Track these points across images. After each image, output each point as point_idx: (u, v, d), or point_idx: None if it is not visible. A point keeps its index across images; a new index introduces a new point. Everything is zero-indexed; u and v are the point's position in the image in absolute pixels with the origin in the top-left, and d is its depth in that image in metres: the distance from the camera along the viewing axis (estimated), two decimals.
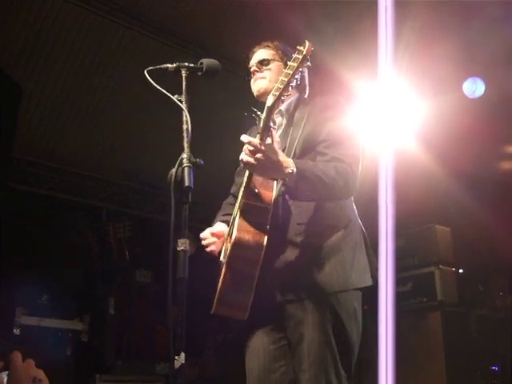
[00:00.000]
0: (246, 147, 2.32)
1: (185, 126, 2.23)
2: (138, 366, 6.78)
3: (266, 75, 2.86)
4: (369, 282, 2.66)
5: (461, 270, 6.11)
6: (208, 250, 2.75)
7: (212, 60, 2.58)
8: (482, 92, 5.67)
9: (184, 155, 2.14)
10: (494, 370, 5.64)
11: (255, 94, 2.89)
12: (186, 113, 2.27)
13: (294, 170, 2.36)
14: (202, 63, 2.55)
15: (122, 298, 7.11)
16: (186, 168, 2.10)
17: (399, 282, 6.05)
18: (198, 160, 2.15)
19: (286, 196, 2.58)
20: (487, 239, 5.94)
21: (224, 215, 2.94)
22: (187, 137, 2.21)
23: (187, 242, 2.12)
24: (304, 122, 2.69)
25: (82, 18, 5.95)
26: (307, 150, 2.64)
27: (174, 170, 2.11)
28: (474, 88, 5.69)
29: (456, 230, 6.14)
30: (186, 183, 2.07)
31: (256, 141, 2.30)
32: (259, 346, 2.68)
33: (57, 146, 6.99)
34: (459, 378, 5.59)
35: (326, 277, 2.54)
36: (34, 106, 6.53)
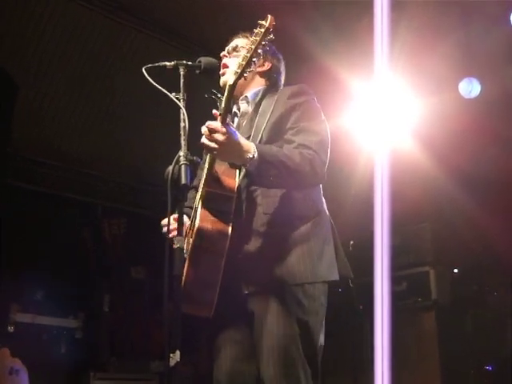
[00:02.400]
0: (206, 130, 2.26)
1: (182, 124, 2.22)
2: (133, 363, 6.78)
3: (232, 63, 2.75)
4: (336, 277, 2.55)
5: (455, 270, 6.11)
6: (171, 236, 2.42)
7: (210, 58, 2.59)
8: (478, 92, 5.67)
9: (181, 153, 2.13)
10: (488, 369, 5.65)
11: (221, 84, 2.80)
12: (183, 110, 2.26)
13: (255, 154, 2.30)
14: (200, 61, 2.55)
15: (117, 296, 7.11)
16: (182, 166, 2.09)
17: (394, 281, 6.06)
18: (195, 158, 2.15)
19: (252, 186, 2.53)
20: (482, 238, 5.94)
21: (185, 208, 2.79)
22: (184, 134, 2.20)
23: (183, 239, 2.12)
24: (271, 109, 2.63)
25: (92, 19, 5.96)
26: (274, 138, 2.57)
27: (170, 168, 2.11)
28: (470, 88, 5.69)
29: (451, 228, 6.15)
30: (183, 181, 2.06)
31: (216, 123, 2.24)
32: (225, 345, 2.61)
33: (53, 143, 6.98)
34: (453, 378, 5.60)
35: (294, 268, 2.46)
36: (35, 103, 6.53)
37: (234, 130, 2.29)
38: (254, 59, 2.22)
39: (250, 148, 2.31)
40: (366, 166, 5.65)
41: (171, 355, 1.96)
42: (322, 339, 2.52)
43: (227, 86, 2.27)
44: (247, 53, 2.20)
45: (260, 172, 2.34)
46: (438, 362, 5.60)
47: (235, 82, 2.25)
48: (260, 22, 2.21)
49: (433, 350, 5.68)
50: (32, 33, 5.95)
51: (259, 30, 2.19)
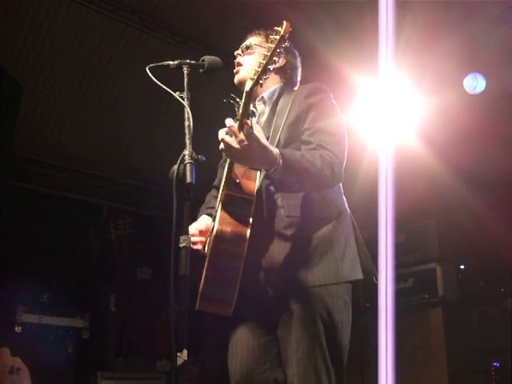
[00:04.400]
0: (222, 137, 2.24)
1: (186, 123, 2.22)
2: (139, 363, 6.80)
3: (246, 61, 2.78)
4: (359, 276, 2.57)
5: (462, 266, 6.11)
6: (194, 247, 2.60)
7: (213, 57, 2.58)
8: (483, 88, 5.65)
9: (186, 152, 2.13)
10: (496, 365, 5.64)
11: (235, 83, 2.81)
12: (187, 109, 2.25)
13: (280, 161, 2.28)
14: (203, 60, 2.54)
15: (123, 296, 7.12)
16: (187, 164, 2.09)
17: (400, 278, 6.06)
18: (199, 156, 2.14)
19: (271, 187, 2.52)
20: (488, 235, 5.93)
21: (208, 208, 2.86)
22: (189, 133, 2.20)
23: (189, 239, 2.11)
24: (288, 109, 2.62)
25: (89, 18, 5.97)
26: (292, 138, 2.57)
27: (175, 167, 2.10)
28: (475, 84, 5.67)
29: (457, 225, 6.13)
30: (188, 180, 2.06)
31: (235, 127, 2.22)
32: (243, 343, 2.61)
33: (58, 143, 6.99)
34: (460, 374, 5.59)
35: (317, 269, 2.47)
36: (38, 104, 6.54)
37: (256, 135, 2.23)
38: (270, 66, 2.18)
39: (275, 155, 2.28)
40: (370, 163, 5.64)
41: (178, 354, 1.96)
42: (347, 338, 2.53)
43: (244, 93, 2.22)
44: (263, 59, 2.17)
45: (283, 178, 2.36)
46: (445, 358, 5.59)
47: (252, 89, 2.20)
48: (276, 28, 2.16)
49: (440, 346, 5.67)
50: (35, 33, 5.97)
51: (274, 37, 2.15)
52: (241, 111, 2.22)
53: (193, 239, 2.54)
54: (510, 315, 5.63)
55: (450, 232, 6.18)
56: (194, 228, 2.63)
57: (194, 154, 2.13)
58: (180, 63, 2.46)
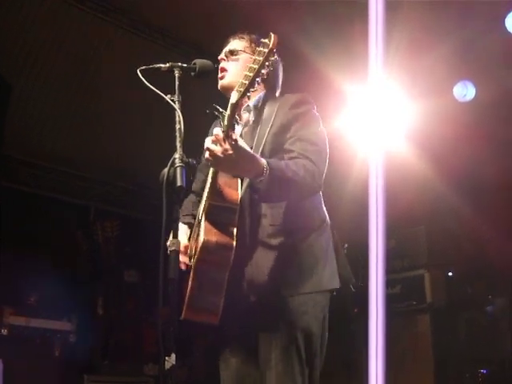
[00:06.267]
0: (208, 146, 2.21)
1: (177, 126, 2.21)
2: (126, 366, 6.77)
3: (230, 67, 2.75)
4: (337, 285, 2.59)
5: (450, 273, 6.12)
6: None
7: (205, 60, 2.57)
8: (473, 96, 5.68)
9: (176, 155, 2.12)
10: (483, 373, 5.65)
11: (220, 88, 2.78)
12: (178, 112, 2.24)
13: (267, 171, 2.26)
14: (195, 63, 2.54)
15: (111, 298, 7.09)
16: (178, 168, 2.08)
17: (388, 284, 6.06)
18: (190, 160, 2.14)
19: (255, 196, 2.49)
20: (477, 241, 5.95)
21: (186, 216, 2.86)
22: (180, 136, 2.19)
23: (178, 242, 2.11)
24: (273, 119, 2.59)
25: (80, 20, 5.95)
26: (276, 149, 2.54)
27: (166, 170, 2.09)
28: (465, 92, 5.70)
29: (446, 232, 6.16)
30: (178, 183, 2.05)
31: (221, 136, 2.18)
32: (231, 353, 2.64)
33: (46, 144, 6.96)
34: (448, 381, 5.61)
35: (300, 278, 2.50)
36: (27, 104, 6.51)
37: (241, 145, 2.22)
38: (257, 79, 2.15)
39: (262, 164, 2.27)
40: (360, 169, 5.65)
41: (166, 358, 1.95)
42: (324, 343, 2.56)
43: (230, 105, 2.20)
44: (250, 72, 2.14)
45: (270, 190, 2.32)
46: (433, 365, 5.61)
47: (238, 101, 2.18)
48: (263, 40, 2.14)
49: (427, 353, 5.68)
50: (26, 33, 5.94)
51: (262, 50, 2.12)
52: (226, 123, 2.20)
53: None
54: (501, 321, 5.65)
55: (439, 238, 6.20)
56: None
57: (185, 157, 2.12)
58: (171, 66, 2.46)
